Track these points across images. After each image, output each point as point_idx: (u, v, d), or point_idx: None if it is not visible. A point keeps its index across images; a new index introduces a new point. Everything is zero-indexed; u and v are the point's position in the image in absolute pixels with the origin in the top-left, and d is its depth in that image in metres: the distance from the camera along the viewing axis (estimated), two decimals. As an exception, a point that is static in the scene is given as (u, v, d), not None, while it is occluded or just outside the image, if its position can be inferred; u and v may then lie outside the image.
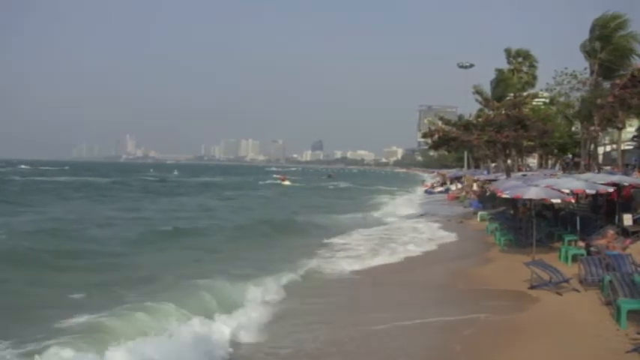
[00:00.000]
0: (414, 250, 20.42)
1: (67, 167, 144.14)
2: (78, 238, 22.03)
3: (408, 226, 28.06)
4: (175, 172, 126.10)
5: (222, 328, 10.37)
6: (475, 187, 45.08)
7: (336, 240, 23.04)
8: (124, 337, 9.12)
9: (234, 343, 10.05)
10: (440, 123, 34.90)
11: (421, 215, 34.25)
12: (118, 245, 20.85)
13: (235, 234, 24.86)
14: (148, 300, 11.35)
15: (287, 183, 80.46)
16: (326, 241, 22.66)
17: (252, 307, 12.02)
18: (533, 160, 63.12)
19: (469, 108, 48.21)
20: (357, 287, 14.94)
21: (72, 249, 19.38)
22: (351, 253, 19.70)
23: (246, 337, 10.36)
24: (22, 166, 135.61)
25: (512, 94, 40.33)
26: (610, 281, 11.11)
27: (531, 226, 17.37)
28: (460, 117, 45.89)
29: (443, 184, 65.69)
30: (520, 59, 44.20)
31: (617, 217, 18.48)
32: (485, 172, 51.58)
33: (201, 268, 15.83)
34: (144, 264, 17.30)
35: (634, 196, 19.94)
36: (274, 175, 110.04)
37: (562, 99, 39.86)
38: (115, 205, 38.87)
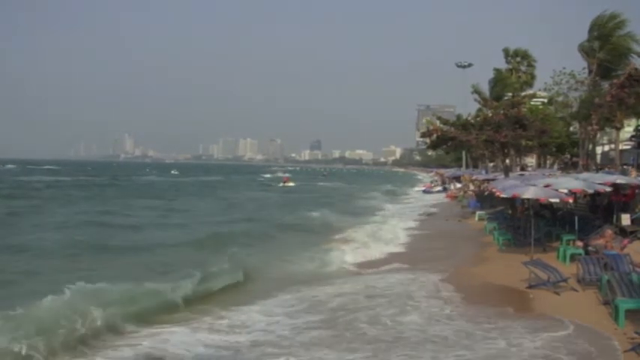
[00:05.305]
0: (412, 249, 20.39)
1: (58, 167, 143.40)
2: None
3: (405, 227, 27.98)
4: (174, 172, 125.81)
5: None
6: (472, 186, 45.03)
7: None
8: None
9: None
10: (438, 122, 34.95)
11: (419, 215, 34.22)
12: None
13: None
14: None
15: (291, 184, 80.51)
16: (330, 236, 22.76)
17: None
18: (531, 160, 63.14)
19: (468, 107, 48.47)
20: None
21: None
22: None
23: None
24: (9, 166, 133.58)
25: (510, 94, 40.38)
26: (608, 281, 11.13)
27: (529, 225, 17.38)
28: (458, 116, 45.93)
29: (443, 183, 65.67)
30: (518, 59, 44.33)
31: (615, 216, 18.50)
32: (484, 171, 51.55)
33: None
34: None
35: (635, 196, 19.95)
36: (264, 175, 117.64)
37: (560, 99, 39.93)
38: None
